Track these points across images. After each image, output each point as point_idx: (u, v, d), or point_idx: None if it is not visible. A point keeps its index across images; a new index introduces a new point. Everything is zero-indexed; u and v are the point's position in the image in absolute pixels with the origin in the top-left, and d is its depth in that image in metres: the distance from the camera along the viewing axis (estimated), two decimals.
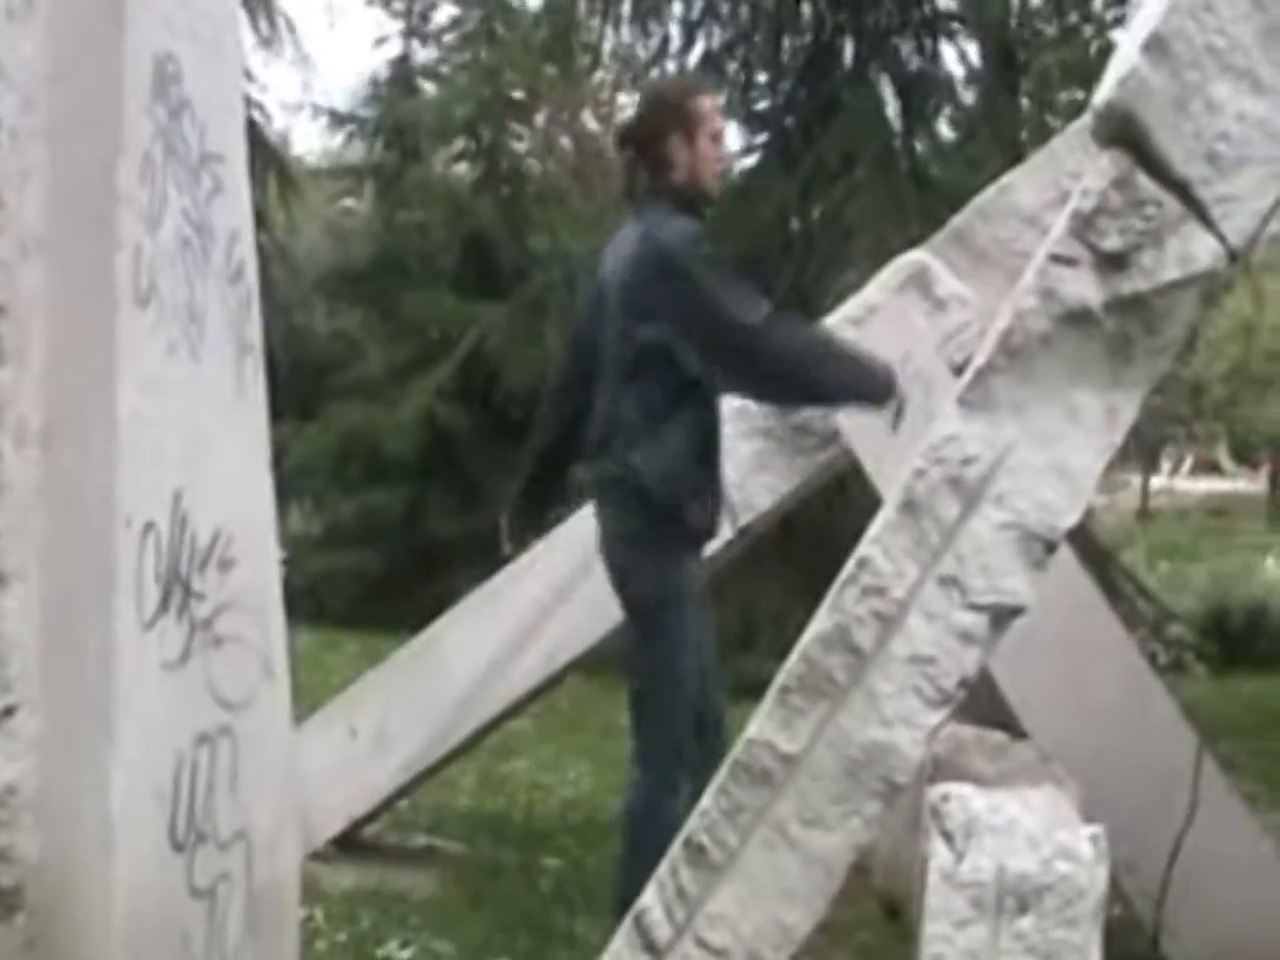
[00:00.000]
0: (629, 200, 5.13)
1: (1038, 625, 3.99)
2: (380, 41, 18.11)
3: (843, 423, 5.74)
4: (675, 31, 13.50)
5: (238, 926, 3.44)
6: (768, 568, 9.60)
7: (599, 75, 17.16)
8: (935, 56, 13.17)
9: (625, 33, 13.75)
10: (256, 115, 16.60)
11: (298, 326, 18.15)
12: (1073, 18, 12.96)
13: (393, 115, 17.54)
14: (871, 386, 4.76)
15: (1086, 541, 9.69)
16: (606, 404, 4.97)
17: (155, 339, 3.25)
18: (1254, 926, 5.05)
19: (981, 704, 4.60)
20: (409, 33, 18.17)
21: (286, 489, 14.13)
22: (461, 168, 18.28)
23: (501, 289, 15.66)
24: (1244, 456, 47.82)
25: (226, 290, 3.52)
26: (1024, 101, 13.51)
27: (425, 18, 18.21)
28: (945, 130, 13.84)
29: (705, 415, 4.96)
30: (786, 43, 13.32)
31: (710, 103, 5.10)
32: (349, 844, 6.41)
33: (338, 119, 18.26)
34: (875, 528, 3.74)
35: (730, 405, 5.34)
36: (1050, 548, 3.67)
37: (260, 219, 13.60)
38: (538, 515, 5.69)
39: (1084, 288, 3.66)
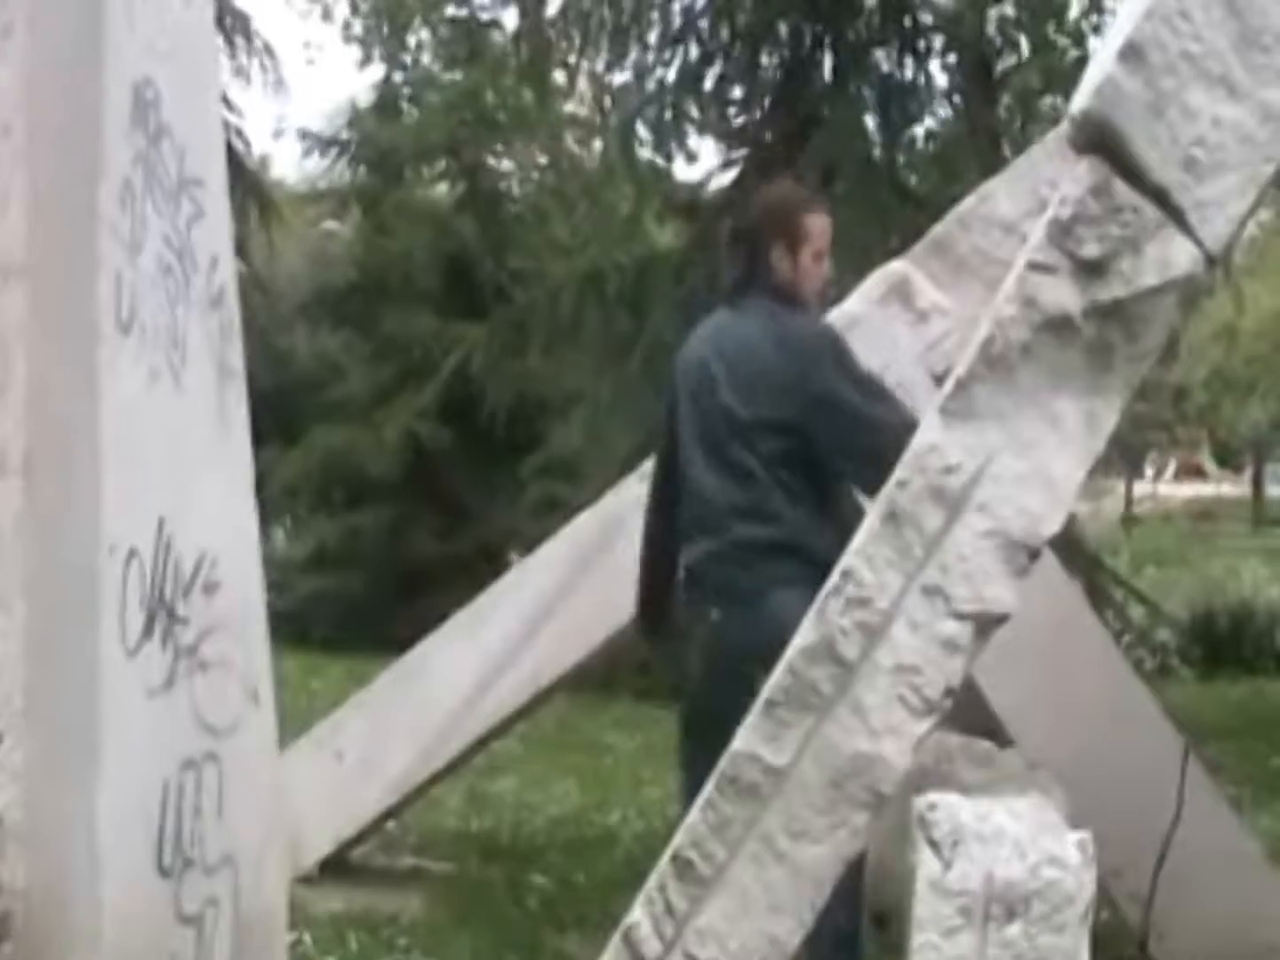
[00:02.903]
0: (728, 290, 5.13)
1: (1022, 633, 4.00)
2: (363, 64, 18.18)
3: None
4: (652, 46, 13.53)
5: (226, 952, 3.42)
6: None
7: (577, 94, 17.21)
8: (915, 68, 13.19)
9: (603, 51, 13.77)
10: (235, 141, 16.62)
11: (280, 350, 18.18)
12: (1049, 29, 12.96)
13: (375, 139, 17.58)
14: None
15: (1073, 548, 9.71)
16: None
17: (137, 365, 3.25)
18: (1241, 928, 5.07)
19: (967, 712, 4.61)
20: (390, 57, 18.24)
21: (270, 512, 14.13)
22: (442, 189, 18.33)
23: (483, 309, 15.68)
24: (1227, 460, 47.98)
25: (208, 315, 3.52)
26: (1003, 111, 13.55)
27: (402, 43, 18.30)
28: (925, 142, 13.85)
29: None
30: (764, 58, 13.33)
31: (819, 222, 5.05)
32: (337, 867, 6.41)
33: (320, 143, 18.29)
34: (859, 539, 3.74)
35: None
36: (1033, 555, 3.67)
37: (239, 244, 13.62)
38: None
39: (1063, 295, 3.66)
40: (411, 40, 18.49)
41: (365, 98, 18.33)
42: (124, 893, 3.12)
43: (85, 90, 3.21)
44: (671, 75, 13.22)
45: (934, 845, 3.71)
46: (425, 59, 18.65)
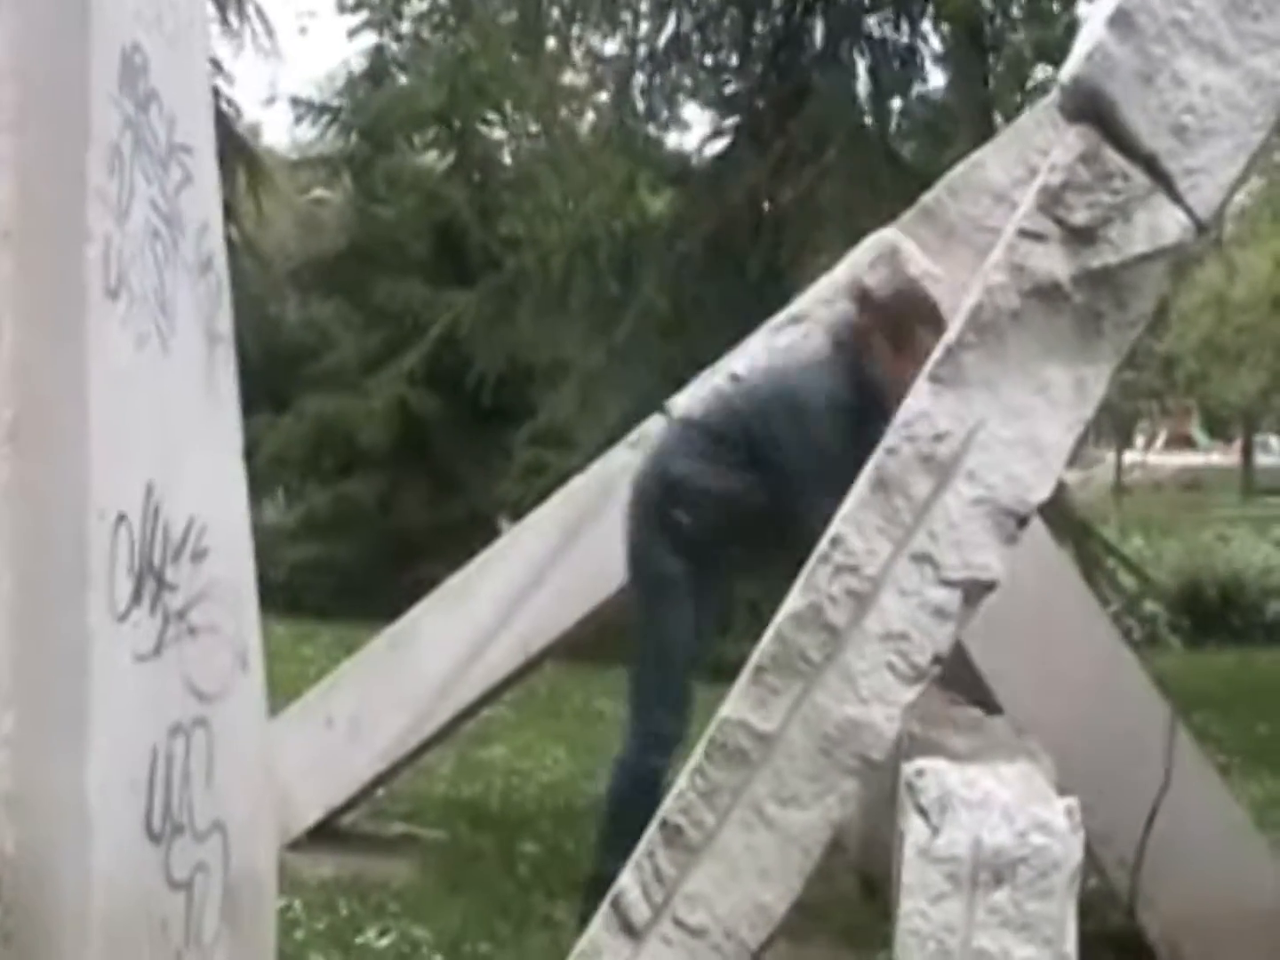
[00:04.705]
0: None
1: (1011, 600, 4.01)
2: (354, 33, 18.08)
3: None
4: (644, 14, 13.49)
5: (215, 917, 3.43)
6: None
7: (570, 62, 17.13)
8: (908, 36, 13.16)
9: (593, 17, 13.73)
10: (225, 107, 16.55)
11: (270, 317, 18.15)
12: None
13: (366, 106, 17.52)
14: None
15: (1062, 516, 9.71)
16: None
17: (125, 331, 3.23)
18: (1228, 895, 5.08)
19: (955, 679, 4.62)
20: (381, 24, 18.15)
21: (260, 481, 14.07)
22: (432, 155, 18.27)
23: (473, 276, 15.64)
24: (1216, 430, 48.02)
25: (196, 281, 3.51)
26: (994, 79, 13.52)
27: (398, 12, 18.20)
28: (917, 110, 13.83)
29: None
30: (756, 25, 13.29)
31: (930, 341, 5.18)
32: (327, 833, 6.41)
33: (312, 110, 18.23)
34: (848, 506, 3.75)
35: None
36: (1022, 522, 3.68)
37: (230, 211, 13.58)
38: None
39: (1053, 262, 3.67)
40: (404, 8, 18.38)
41: (357, 65, 18.28)
42: (113, 859, 3.12)
43: (73, 56, 3.18)
44: (663, 43, 13.20)
45: (922, 811, 3.72)
46: (418, 26, 18.54)
